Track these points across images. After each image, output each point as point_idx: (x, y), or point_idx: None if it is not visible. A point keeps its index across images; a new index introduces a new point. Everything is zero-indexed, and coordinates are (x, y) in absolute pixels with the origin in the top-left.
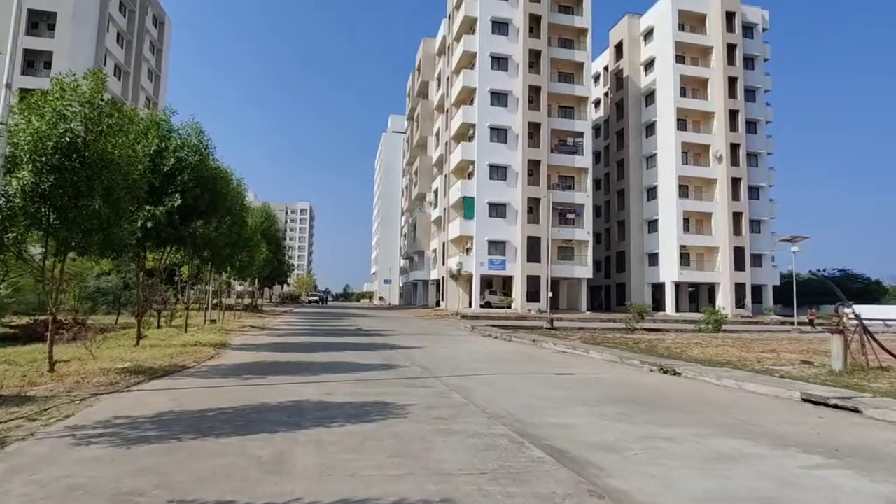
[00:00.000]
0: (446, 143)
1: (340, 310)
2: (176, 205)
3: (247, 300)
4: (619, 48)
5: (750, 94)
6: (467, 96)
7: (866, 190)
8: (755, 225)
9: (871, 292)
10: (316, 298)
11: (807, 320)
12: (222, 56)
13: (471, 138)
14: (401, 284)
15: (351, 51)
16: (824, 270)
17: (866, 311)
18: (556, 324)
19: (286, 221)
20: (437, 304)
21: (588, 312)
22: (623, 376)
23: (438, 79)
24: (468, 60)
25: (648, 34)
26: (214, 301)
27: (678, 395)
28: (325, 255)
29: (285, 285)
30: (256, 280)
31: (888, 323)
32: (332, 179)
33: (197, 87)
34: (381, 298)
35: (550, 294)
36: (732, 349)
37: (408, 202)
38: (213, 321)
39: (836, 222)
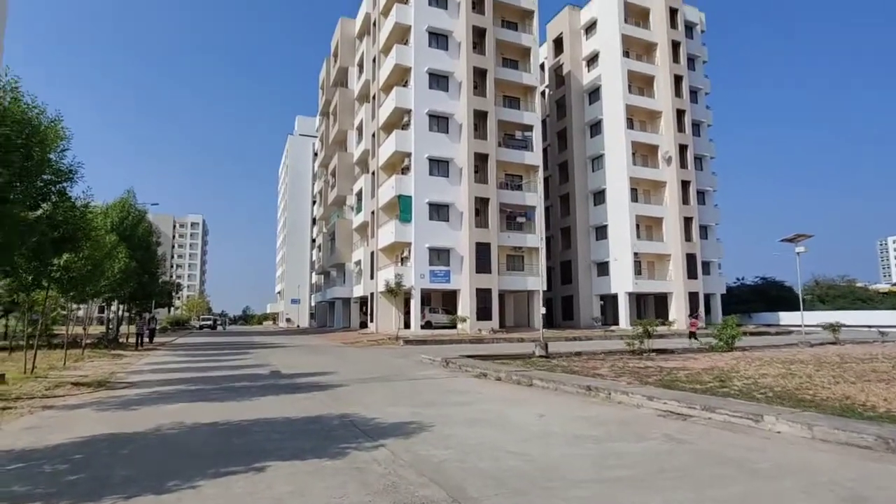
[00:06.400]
0: (373, 135)
1: (241, 336)
2: None
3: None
4: (558, 43)
5: (692, 94)
6: (400, 77)
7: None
8: (703, 231)
9: (789, 300)
10: (209, 323)
11: (688, 332)
12: (92, 44)
13: (405, 127)
14: (312, 304)
15: (249, 44)
16: (743, 278)
17: (850, 317)
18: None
19: (174, 237)
20: (363, 325)
21: (543, 330)
22: None
23: (360, 64)
24: (401, 35)
25: (591, 27)
26: (38, 336)
27: None
28: (221, 275)
29: (171, 308)
30: (115, 301)
31: (882, 331)
32: (229, 191)
33: (63, 77)
34: (288, 320)
35: (544, 311)
36: (867, 386)
37: (323, 208)
38: (0, 377)
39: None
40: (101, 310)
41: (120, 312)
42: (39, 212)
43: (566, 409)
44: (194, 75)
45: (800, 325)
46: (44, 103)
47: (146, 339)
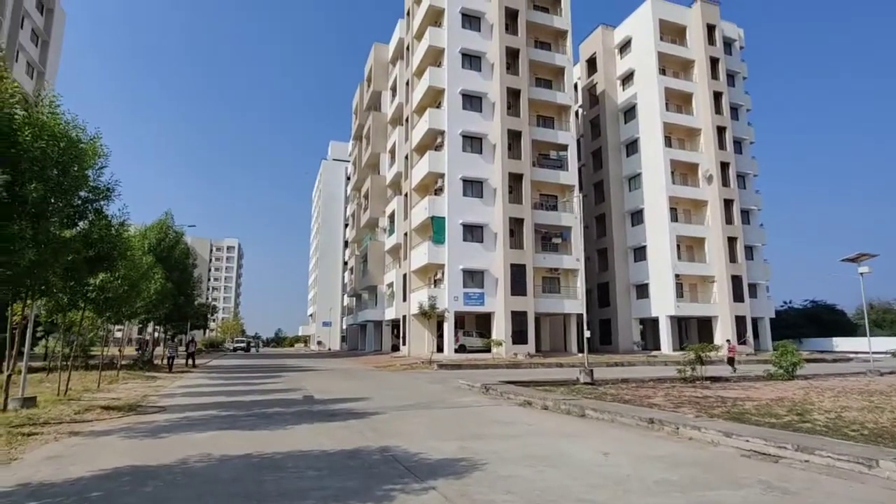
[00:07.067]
0: (406, 157)
1: (273, 359)
2: None
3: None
4: (591, 63)
5: (733, 111)
6: (433, 99)
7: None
8: (748, 251)
9: (842, 324)
10: (242, 345)
11: (725, 357)
12: (125, 74)
13: (439, 148)
14: (344, 327)
15: (285, 72)
16: (791, 302)
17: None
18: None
19: (210, 260)
20: (395, 348)
21: (580, 354)
22: None
23: (393, 88)
24: (434, 58)
25: (625, 46)
26: (75, 357)
27: None
28: (254, 297)
29: (206, 330)
30: (151, 323)
31: None
32: (264, 214)
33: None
34: (319, 343)
35: (589, 334)
36: None
37: (355, 231)
38: (30, 401)
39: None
40: (140, 331)
41: (155, 334)
42: (75, 230)
43: (631, 446)
44: (237, 101)
45: (860, 352)
46: (84, 121)
47: (183, 362)
